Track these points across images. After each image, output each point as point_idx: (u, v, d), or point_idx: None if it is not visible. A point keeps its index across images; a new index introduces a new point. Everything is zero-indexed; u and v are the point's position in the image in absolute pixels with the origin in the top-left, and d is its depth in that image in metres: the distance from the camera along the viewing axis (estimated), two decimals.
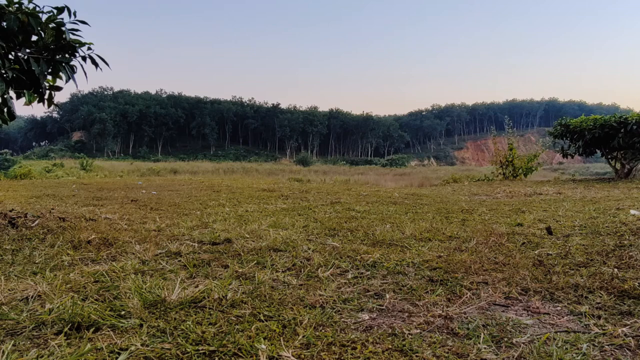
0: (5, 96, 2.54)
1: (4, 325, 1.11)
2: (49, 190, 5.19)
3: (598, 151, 8.25)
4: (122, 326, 1.11)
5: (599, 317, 1.22)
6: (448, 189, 6.65)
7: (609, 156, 8.05)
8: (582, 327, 1.17)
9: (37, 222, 2.59)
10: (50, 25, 2.63)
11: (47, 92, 2.78)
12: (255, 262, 1.82)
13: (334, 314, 1.23)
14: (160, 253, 1.96)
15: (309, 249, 2.07)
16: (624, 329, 1.14)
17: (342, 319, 1.20)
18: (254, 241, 2.23)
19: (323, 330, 1.12)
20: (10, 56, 2.58)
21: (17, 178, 10.89)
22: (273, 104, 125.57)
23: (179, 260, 1.84)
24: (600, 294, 1.40)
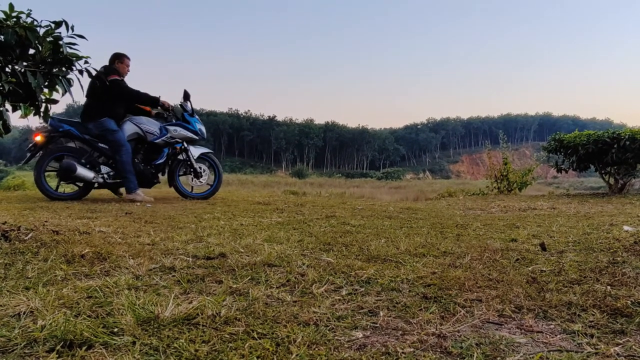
0: (1, 109, 2.54)
1: None
2: (43, 202, 5.16)
3: (592, 166, 8.31)
4: (114, 344, 1.11)
5: (592, 336, 1.23)
6: (443, 203, 6.66)
7: (603, 171, 8.10)
8: (575, 346, 1.17)
9: (30, 235, 2.58)
10: (48, 39, 2.64)
11: (43, 105, 2.78)
12: (250, 277, 1.82)
13: (327, 331, 1.23)
14: (154, 268, 1.96)
15: (304, 264, 2.07)
16: (616, 348, 1.14)
17: (336, 337, 1.20)
18: (248, 256, 2.23)
19: (317, 349, 1.11)
20: (7, 69, 2.58)
21: (11, 189, 10.84)
22: (269, 116, 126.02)
23: (173, 275, 1.84)
24: (593, 312, 1.40)
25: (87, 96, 5.63)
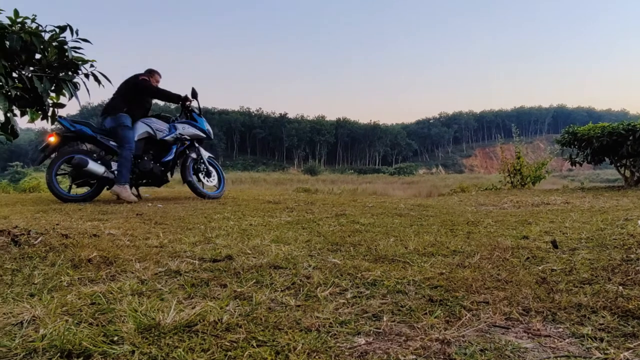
0: (8, 115, 2.56)
1: None
2: (56, 205, 5.22)
3: (607, 159, 8.17)
4: (113, 353, 1.10)
5: (602, 340, 1.19)
6: (455, 199, 6.61)
7: (618, 164, 7.97)
8: (584, 350, 1.14)
9: (39, 239, 2.60)
10: (53, 44, 2.65)
11: (50, 109, 2.80)
12: (255, 280, 1.81)
13: (329, 338, 1.21)
14: (159, 272, 1.95)
15: (310, 266, 2.05)
16: (626, 353, 1.11)
17: (338, 344, 1.18)
18: (255, 257, 2.21)
19: (317, 357, 1.09)
20: (14, 75, 2.60)
21: (26, 191, 10.98)
22: (280, 114, 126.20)
23: (178, 280, 1.83)
24: (604, 314, 1.37)
25: (114, 94, 6.08)
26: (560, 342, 1.19)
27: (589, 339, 1.20)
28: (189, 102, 6.28)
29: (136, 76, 6.14)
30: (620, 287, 1.62)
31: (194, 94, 6.25)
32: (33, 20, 2.58)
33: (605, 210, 4.19)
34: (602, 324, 1.30)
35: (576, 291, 1.60)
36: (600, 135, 7.71)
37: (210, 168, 6.46)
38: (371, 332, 1.27)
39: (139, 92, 6.04)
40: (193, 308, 1.43)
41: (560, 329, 1.28)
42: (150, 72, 6.36)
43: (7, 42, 2.47)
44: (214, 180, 6.47)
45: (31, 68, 2.65)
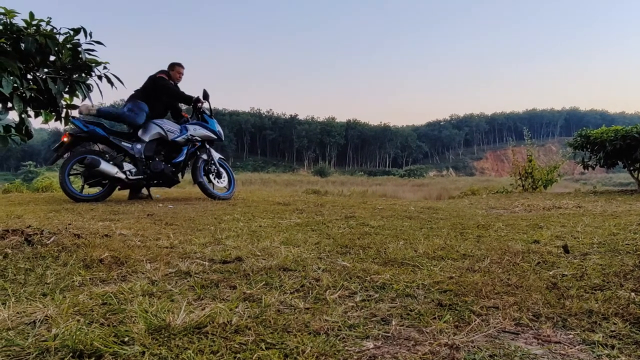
0: (23, 116, 2.60)
1: (8, 352, 1.12)
2: (68, 204, 5.27)
3: (620, 162, 8.08)
4: (124, 354, 1.11)
5: (613, 347, 1.18)
6: (465, 202, 6.57)
7: (632, 168, 7.88)
8: (595, 357, 1.13)
9: (52, 239, 2.63)
10: (67, 46, 2.69)
11: (64, 110, 2.83)
12: (264, 282, 1.81)
13: (337, 341, 1.21)
14: (170, 273, 1.97)
15: (319, 268, 2.06)
16: None
17: (346, 348, 1.18)
18: (264, 259, 2.22)
19: None
20: (28, 76, 2.64)
21: (39, 191, 11.10)
22: (291, 115, 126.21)
23: (188, 281, 1.84)
24: (615, 321, 1.35)
25: (140, 87, 6.32)
26: (571, 348, 1.19)
27: (600, 346, 1.19)
28: (200, 104, 6.38)
29: (157, 72, 6.35)
30: (633, 294, 1.61)
31: (205, 96, 6.32)
32: (48, 23, 2.61)
33: (618, 214, 4.15)
34: (614, 331, 1.29)
35: (587, 297, 1.59)
36: (613, 138, 7.63)
37: (221, 169, 6.52)
38: (380, 336, 1.27)
39: (156, 89, 6.23)
40: (203, 309, 1.44)
41: (571, 336, 1.27)
42: (172, 66, 6.55)
43: (23, 45, 2.51)
44: (224, 182, 6.51)
45: (45, 70, 2.68)
